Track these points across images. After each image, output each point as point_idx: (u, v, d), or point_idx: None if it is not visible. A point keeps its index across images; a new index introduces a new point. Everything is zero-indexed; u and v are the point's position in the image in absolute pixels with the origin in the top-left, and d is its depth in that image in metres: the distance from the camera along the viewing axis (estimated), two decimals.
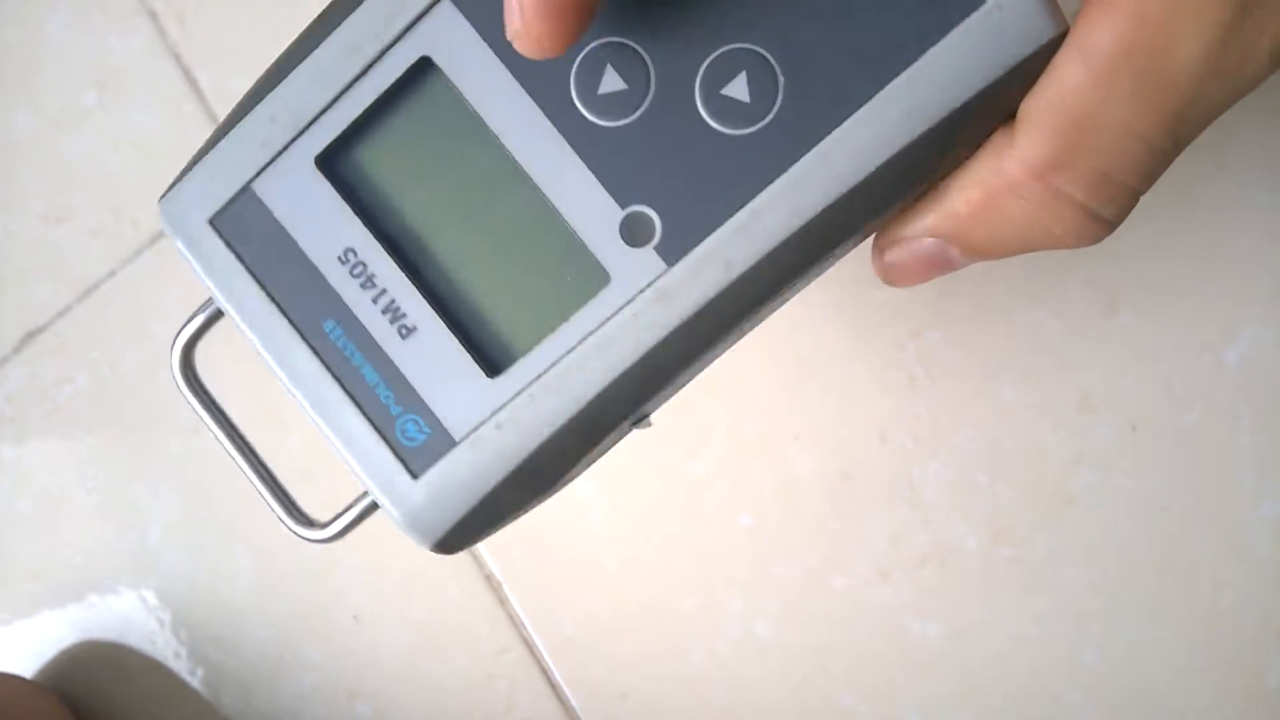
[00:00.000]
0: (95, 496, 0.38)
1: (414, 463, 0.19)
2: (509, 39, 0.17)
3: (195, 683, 0.38)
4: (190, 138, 0.38)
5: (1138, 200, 0.18)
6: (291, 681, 0.37)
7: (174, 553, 0.38)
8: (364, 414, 0.20)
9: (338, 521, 0.22)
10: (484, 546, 0.36)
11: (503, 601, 0.36)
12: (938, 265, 0.20)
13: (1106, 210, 0.18)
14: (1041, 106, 0.17)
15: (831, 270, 0.20)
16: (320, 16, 0.19)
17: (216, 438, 0.22)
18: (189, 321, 0.22)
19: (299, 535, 0.22)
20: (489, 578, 0.36)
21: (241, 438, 0.22)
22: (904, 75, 0.17)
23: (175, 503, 0.38)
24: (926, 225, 0.19)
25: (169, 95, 0.38)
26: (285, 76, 0.19)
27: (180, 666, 0.38)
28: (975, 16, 0.17)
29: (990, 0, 0.17)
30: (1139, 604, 0.33)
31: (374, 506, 0.21)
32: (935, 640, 0.34)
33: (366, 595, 0.37)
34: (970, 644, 0.34)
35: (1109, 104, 0.17)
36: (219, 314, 0.21)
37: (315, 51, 0.19)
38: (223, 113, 0.38)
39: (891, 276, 0.20)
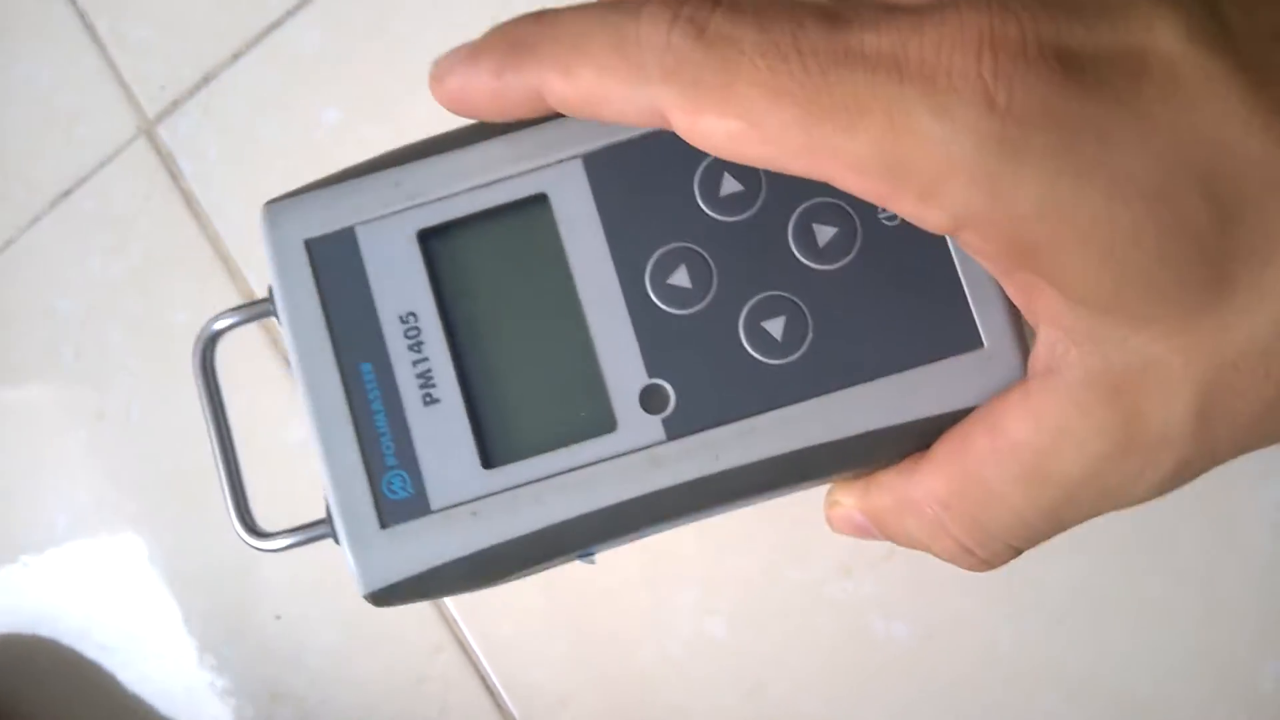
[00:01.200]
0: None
1: (387, 514, 0.21)
2: (430, 78, 0.20)
3: (106, 681, 0.35)
4: (89, 90, 0.35)
5: (1016, 554, 0.20)
6: (208, 683, 0.35)
7: (83, 544, 0.35)
8: (362, 453, 0.21)
9: (284, 537, 0.23)
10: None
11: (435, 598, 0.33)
12: (865, 532, 0.23)
13: (982, 552, 0.20)
14: (949, 452, 0.20)
15: None
16: (474, 127, 0.22)
17: (207, 428, 0.23)
18: (224, 314, 0.23)
19: (245, 540, 0.23)
20: None
21: (228, 434, 0.23)
22: (902, 374, 0.21)
23: (86, 492, 0.35)
24: (856, 503, 0.22)
25: (64, 43, 0.35)
26: (424, 158, 0.22)
27: (90, 663, 0.35)
28: (972, 355, 0.21)
29: (986, 346, 0.21)
30: (1125, 603, 0.30)
31: (324, 536, 0.22)
32: (901, 640, 0.31)
33: (290, 592, 0.34)
34: (939, 645, 0.31)
35: (998, 477, 0.19)
36: (252, 320, 0.23)
37: (458, 151, 0.22)
38: (123, 65, 0.35)
39: (832, 523, 0.23)
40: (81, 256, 0.35)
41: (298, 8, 0.33)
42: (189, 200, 0.34)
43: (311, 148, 0.33)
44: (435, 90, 0.20)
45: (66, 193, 0.35)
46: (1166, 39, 0.16)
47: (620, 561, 0.32)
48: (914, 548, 0.22)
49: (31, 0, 0.35)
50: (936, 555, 0.22)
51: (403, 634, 0.33)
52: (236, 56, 0.34)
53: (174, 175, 0.34)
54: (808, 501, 0.31)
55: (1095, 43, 0.16)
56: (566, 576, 0.32)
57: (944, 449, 0.20)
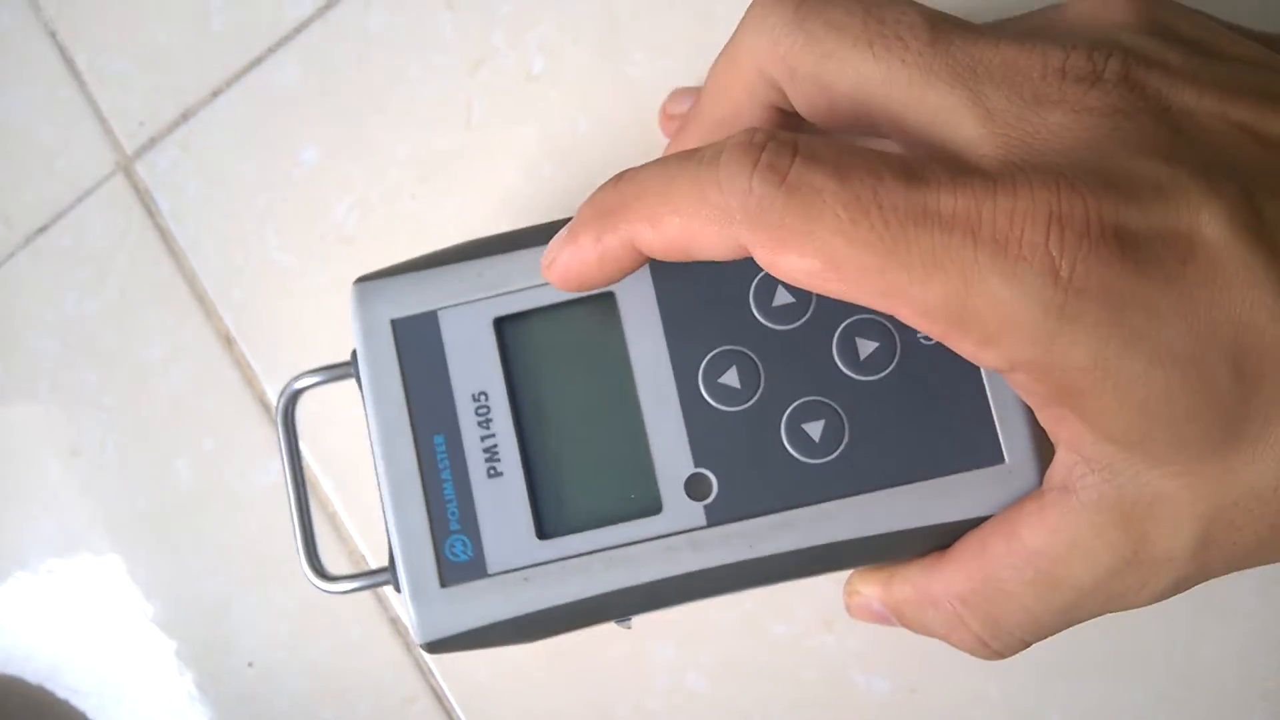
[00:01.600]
0: None
1: (447, 574, 0.23)
2: (542, 267, 0.22)
3: None
4: (67, 125, 0.34)
5: (1028, 645, 0.22)
6: None
7: (53, 584, 0.35)
8: (429, 516, 0.23)
9: (347, 581, 0.25)
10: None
11: (409, 646, 0.33)
12: (883, 620, 0.25)
13: (996, 644, 0.22)
14: (968, 554, 0.22)
15: None
16: (557, 224, 0.23)
17: (284, 475, 0.25)
18: (306, 374, 0.26)
19: (313, 582, 0.25)
20: (394, 620, 0.33)
21: (304, 484, 0.25)
22: (928, 482, 0.23)
23: (59, 530, 0.35)
24: (877, 594, 0.24)
25: (43, 76, 0.34)
26: (506, 252, 0.24)
27: (59, 705, 0.35)
28: (993, 469, 0.23)
29: (1008, 463, 0.23)
30: (1110, 658, 0.30)
31: (385, 583, 0.24)
32: (883, 695, 0.31)
33: (262, 639, 0.33)
34: (922, 701, 0.30)
35: (1013, 580, 0.21)
36: (333, 380, 0.25)
37: (536, 248, 0.23)
38: (102, 100, 0.34)
39: (850, 610, 0.25)
40: (57, 292, 0.34)
41: (278, 44, 0.33)
42: (166, 237, 0.34)
43: (290, 186, 0.33)
44: (549, 276, 0.22)
45: (43, 228, 0.34)
46: (1212, 227, 0.18)
47: None
48: (930, 636, 0.24)
49: (10, 33, 0.35)
50: (953, 645, 0.23)
51: (377, 684, 0.33)
52: (216, 94, 0.33)
53: (151, 212, 0.34)
54: None
55: (1149, 224, 0.18)
56: None
57: (963, 551, 0.22)
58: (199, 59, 0.33)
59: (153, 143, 0.34)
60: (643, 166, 0.21)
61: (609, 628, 0.31)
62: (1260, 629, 0.29)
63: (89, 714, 0.35)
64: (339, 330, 0.33)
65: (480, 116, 0.32)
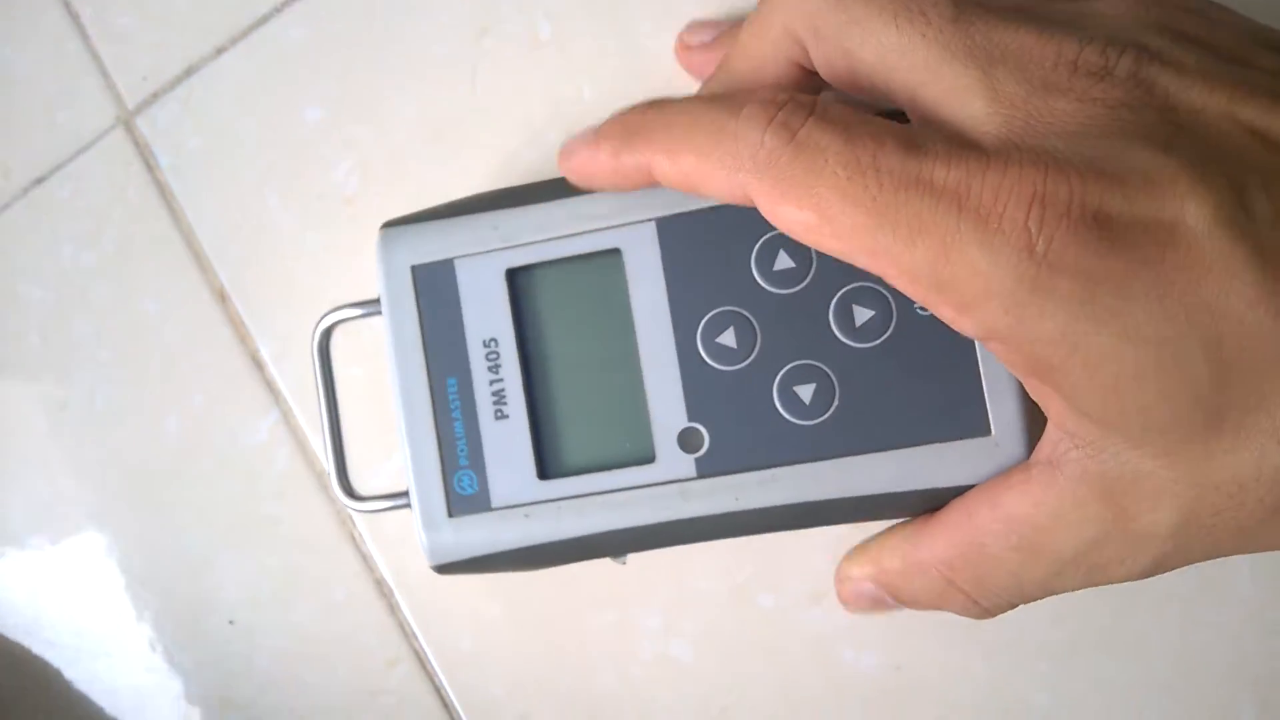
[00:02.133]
0: None
1: (455, 505, 0.25)
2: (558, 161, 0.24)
3: (51, 679, 0.34)
4: (69, 78, 0.34)
5: (1015, 606, 0.23)
6: (158, 686, 0.34)
7: (36, 536, 0.34)
8: (440, 452, 0.25)
9: (373, 502, 0.26)
10: (375, 548, 0.32)
11: (394, 609, 0.32)
12: (877, 604, 0.25)
13: (985, 603, 0.23)
14: (954, 521, 0.23)
15: None
16: (565, 183, 0.24)
17: (319, 403, 0.27)
18: (340, 308, 0.27)
19: (342, 501, 0.27)
20: (379, 582, 0.32)
21: (336, 408, 0.27)
22: (913, 449, 0.23)
23: (43, 482, 0.34)
24: (866, 573, 0.24)
25: (47, 29, 0.34)
26: (521, 205, 0.25)
27: (35, 659, 0.34)
28: (979, 440, 0.23)
29: (994, 435, 0.23)
30: (1099, 639, 0.30)
31: (405, 506, 0.25)
32: (870, 671, 0.30)
33: (244, 597, 0.33)
34: (909, 678, 0.30)
35: (997, 545, 0.22)
36: (364, 316, 0.27)
37: (549, 203, 0.25)
38: (106, 53, 0.34)
39: (843, 599, 0.26)
40: (53, 244, 0.34)
41: (284, 4, 0.33)
42: (164, 192, 0.34)
43: (292, 145, 0.33)
44: (563, 166, 0.23)
45: (40, 179, 0.34)
46: (1195, 218, 0.18)
47: (588, 579, 0.31)
48: (923, 608, 0.24)
49: None
50: (945, 609, 0.24)
51: (359, 646, 0.32)
52: (221, 51, 0.33)
53: (150, 167, 0.34)
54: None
55: (1132, 210, 0.18)
56: (530, 591, 0.31)
57: (949, 519, 0.23)
58: (205, 15, 0.33)
59: (155, 98, 0.34)
60: (673, 101, 0.22)
61: (597, 593, 0.31)
62: (1253, 614, 0.29)
63: (64, 669, 0.34)
64: (335, 289, 0.32)
65: (486, 80, 0.32)
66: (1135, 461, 0.20)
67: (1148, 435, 0.19)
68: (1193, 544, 0.21)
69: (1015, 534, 0.22)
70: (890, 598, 0.25)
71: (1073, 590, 0.22)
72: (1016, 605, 0.23)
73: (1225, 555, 0.21)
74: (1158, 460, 0.20)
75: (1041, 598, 0.23)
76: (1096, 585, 0.22)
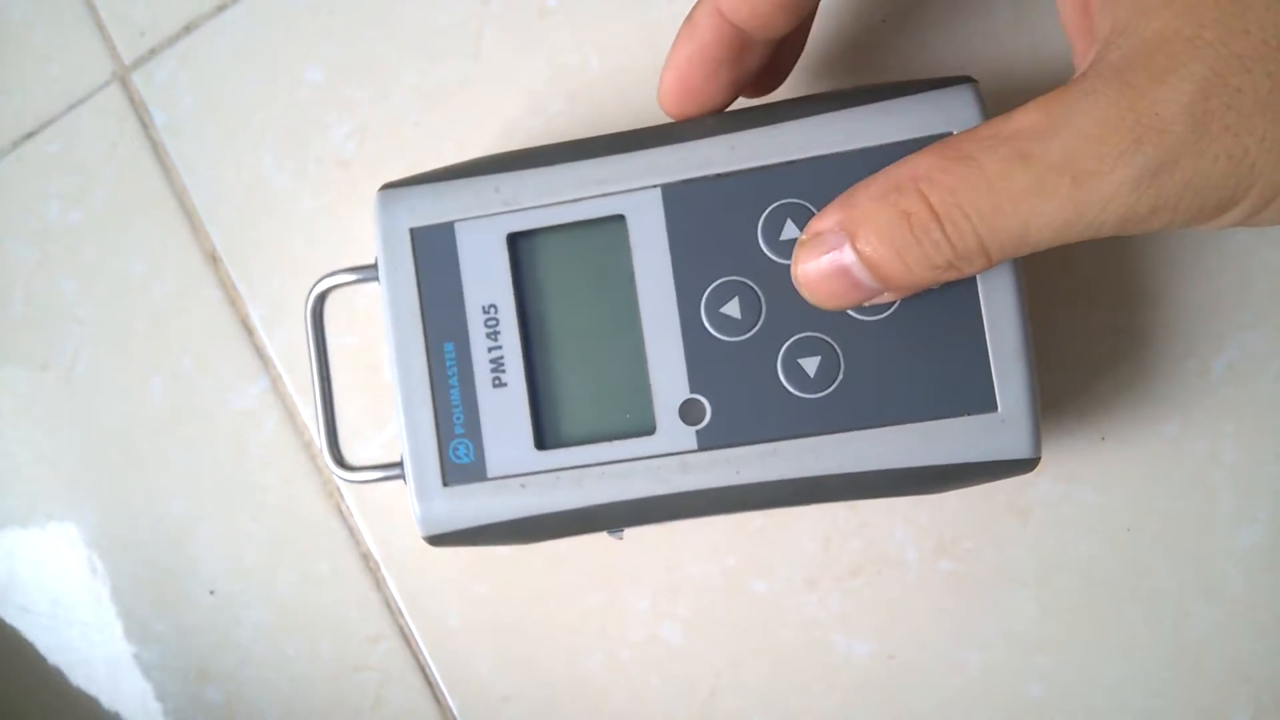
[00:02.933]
0: None
1: (450, 475, 0.24)
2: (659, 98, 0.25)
3: (22, 645, 0.33)
4: (65, 31, 0.33)
5: (984, 257, 0.20)
6: (134, 656, 0.33)
7: (12, 500, 0.33)
8: (435, 419, 0.24)
9: (364, 472, 0.26)
10: (362, 520, 0.32)
11: (379, 584, 0.32)
12: (839, 275, 0.22)
13: (948, 225, 0.20)
14: (943, 143, 0.21)
15: None
16: (573, 143, 0.25)
17: (310, 370, 0.26)
18: (335, 274, 0.26)
19: (333, 470, 0.26)
20: (366, 556, 0.32)
21: (328, 378, 0.26)
22: (918, 424, 0.23)
23: (19, 444, 0.33)
24: (833, 220, 0.22)
25: None
26: (524, 169, 0.24)
27: (6, 626, 0.33)
28: (985, 416, 0.23)
29: (1000, 410, 0.23)
30: (1094, 634, 0.29)
31: (397, 477, 0.25)
32: (862, 660, 0.30)
33: (226, 567, 0.32)
34: (900, 666, 0.30)
35: (988, 157, 0.20)
36: (359, 282, 0.26)
37: (553, 166, 0.24)
38: (103, 6, 0.33)
39: (803, 283, 0.23)
40: (40, 200, 0.33)
41: None
42: (158, 150, 0.33)
43: (291, 106, 0.32)
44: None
45: (30, 134, 0.33)
46: None
47: (578, 558, 0.30)
48: (884, 264, 0.21)
49: None
50: (907, 256, 0.21)
51: (343, 620, 0.32)
52: (221, 8, 0.33)
53: (145, 124, 0.33)
54: (776, 513, 0.30)
55: None
56: (519, 570, 0.31)
57: (942, 141, 0.21)
58: None
59: (152, 54, 0.33)
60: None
61: (587, 573, 0.31)
62: (1246, 612, 0.29)
63: (37, 636, 0.33)
64: (328, 253, 0.32)
65: (490, 47, 0.31)
66: (1159, 30, 0.18)
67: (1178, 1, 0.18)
68: (1209, 141, 0.18)
69: (1009, 145, 0.20)
70: (853, 252, 0.21)
71: (1053, 224, 0.19)
72: (988, 246, 0.20)
73: (1240, 161, 0.19)
74: (1182, 20, 0.18)
75: (1017, 234, 0.20)
76: (1079, 211, 0.19)
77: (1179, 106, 0.18)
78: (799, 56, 0.27)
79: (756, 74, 0.25)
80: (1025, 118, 0.20)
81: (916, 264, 0.21)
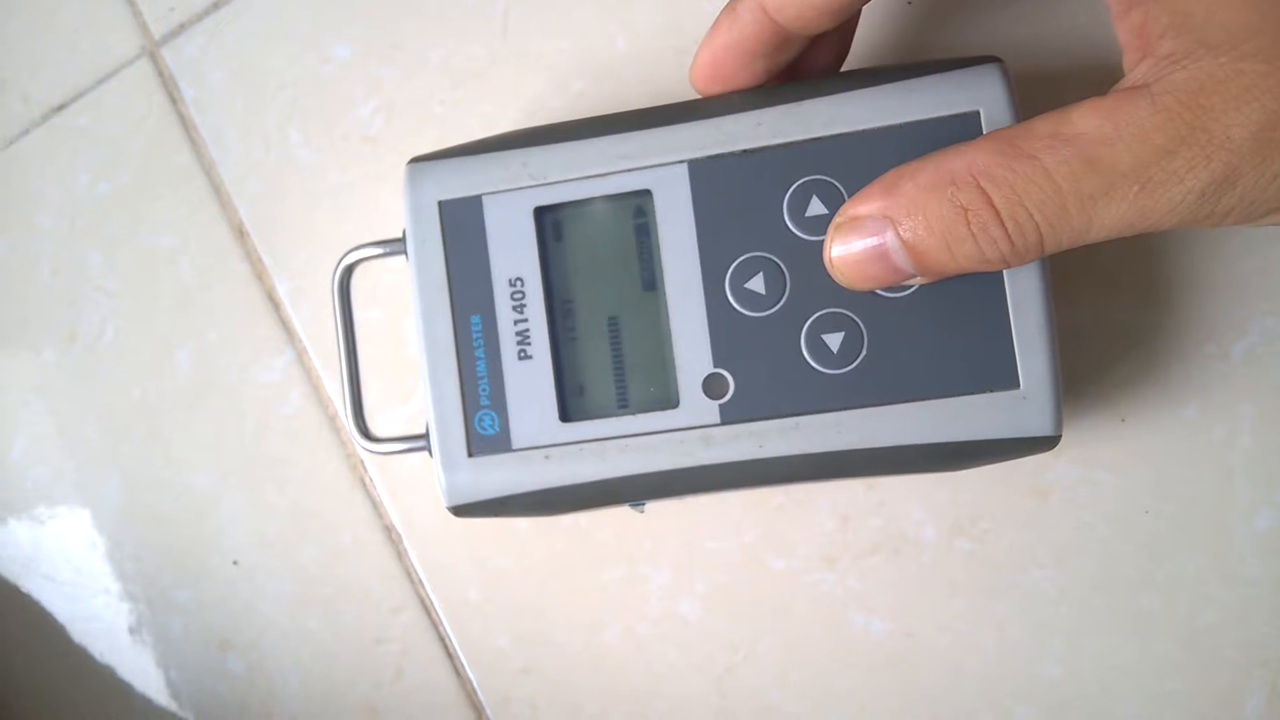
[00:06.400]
0: None
1: (475, 445, 0.24)
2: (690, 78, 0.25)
3: (46, 615, 0.34)
4: (95, 6, 0.34)
5: (1040, 241, 0.21)
6: (157, 625, 0.33)
7: (38, 470, 0.34)
8: (461, 390, 0.24)
9: (390, 444, 0.26)
10: (386, 493, 0.32)
11: (401, 556, 0.32)
12: (878, 260, 0.22)
13: (1010, 226, 0.21)
14: (1001, 136, 0.21)
15: None
16: (600, 119, 0.25)
17: (337, 341, 0.27)
18: (362, 246, 0.26)
19: (358, 442, 0.26)
20: (389, 529, 0.32)
21: (355, 349, 0.27)
22: (941, 400, 0.23)
23: (47, 415, 0.34)
24: (874, 207, 0.22)
25: None
26: (551, 143, 0.25)
27: (31, 595, 0.34)
28: (1008, 393, 0.23)
29: (1022, 387, 0.23)
30: (1110, 615, 0.29)
31: (423, 449, 0.25)
32: (879, 637, 0.30)
33: (249, 539, 0.32)
34: (917, 645, 0.30)
35: (1049, 154, 0.20)
36: (387, 255, 0.26)
37: (581, 141, 0.24)
38: None
39: (836, 267, 0.23)
40: (69, 172, 0.34)
41: None
42: (186, 125, 0.33)
43: (318, 82, 0.32)
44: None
45: (60, 106, 0.34)
46: None
47: (598, 533, 0.31)
48: (929, 254, 0.22)
49: None
50: (959, 250, 0.21)
51: (364, 592, 0.32)
52: None
53: (174, 99, 0.33)
54: (795, 491, 0.31)
55: None
56: (539, 544, 0.31)
57: (996, 133, 0.21)
58: None
59: (181, 29, 0.33)
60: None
61: (607, 548, 0.31)
62: (1262, 595, 0.29)
63: (61, 606, 0.34)
64: (354, 228, 0.32)
65: (516, 26, 0.32)
66: (1231, 63, 0.19)
67: (1248, 37, 0.19)
68: (1271, 158, 0.20)
69: (1073, 148, 0.20)
70: (897, 241, 0.22)
71: (1113, 224, 0.20)
72: (1046, 243, 0.21)
73: None
74: (1257, 57, 0.19)
75: (1078, 229, 0.21)
76: (1143, 215, 0.20)
77: (1249, 133, 0.19)
78: (845, 56, 0.27)
79: (790, 66, 0.25)
80: (1086, 121, 0.20)
81: (965, 257, 0.21)
